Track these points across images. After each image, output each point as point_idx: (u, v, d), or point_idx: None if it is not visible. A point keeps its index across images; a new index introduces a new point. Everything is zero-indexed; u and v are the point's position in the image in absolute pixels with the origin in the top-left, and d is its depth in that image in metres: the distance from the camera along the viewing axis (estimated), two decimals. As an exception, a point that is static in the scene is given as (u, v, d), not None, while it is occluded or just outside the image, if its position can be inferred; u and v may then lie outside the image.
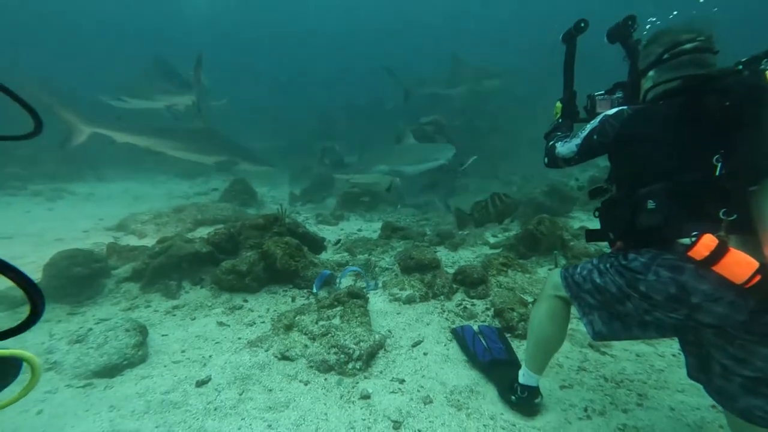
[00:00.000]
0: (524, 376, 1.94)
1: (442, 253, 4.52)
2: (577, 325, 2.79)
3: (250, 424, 1.90)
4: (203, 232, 4.89)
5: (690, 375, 1.57)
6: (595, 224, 1.68)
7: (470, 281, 3.25)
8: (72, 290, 3.21)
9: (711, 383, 1.44)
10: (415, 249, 3.82)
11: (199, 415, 1.96)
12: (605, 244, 1.68)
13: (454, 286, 3.31)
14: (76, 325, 2.83)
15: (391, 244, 4.69)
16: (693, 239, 1.22)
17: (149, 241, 4.60)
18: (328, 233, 5.53)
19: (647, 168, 1.40)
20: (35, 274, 3.28)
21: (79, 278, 3.24)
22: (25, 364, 0.79)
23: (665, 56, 1.46)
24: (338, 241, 4.97)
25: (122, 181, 10.22)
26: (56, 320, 2.94)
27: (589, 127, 1.60)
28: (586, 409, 2.00)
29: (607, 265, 1.53)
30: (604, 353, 2.50)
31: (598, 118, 1.55)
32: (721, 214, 1.23)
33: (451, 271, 3.55)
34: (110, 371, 2.30)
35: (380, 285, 3.49)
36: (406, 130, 7.69)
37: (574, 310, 1.74)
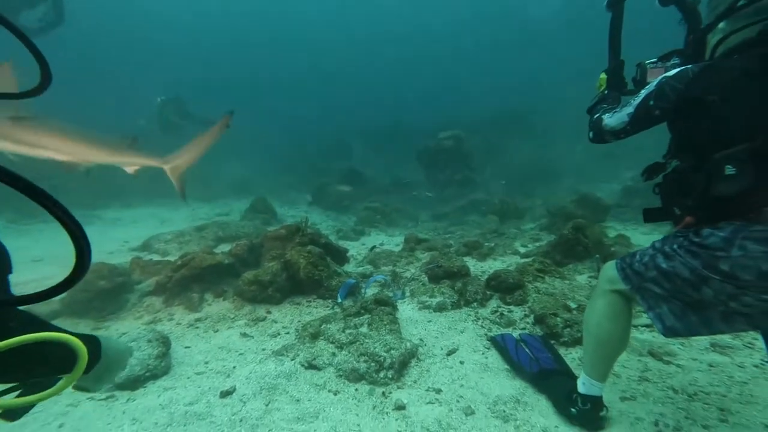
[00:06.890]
0: (585, 385, 1.70)
1: (470, 263, 4.31)
2: (632, 332, 2.54)
3: (278, 437, 1.74)
4: (225, 248, 4.85)
5: None
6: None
7: (505, 287, 3.04)
8: (96, 304, 3.17)
9: None
10: (442, 257, 3.65)
11: (224, 426, 1.81)
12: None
13: (488, 292, 3.10)
14: (99, 339, 2.77)
15: (416, 256, 4.53)
16: None
17: (172, 259, 4.58)
18: (350, 248, 5.41)
19: (722, 132, 1.23)
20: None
21: (103, 292, 3.21)
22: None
23: (741, 2, 1.27)
24: (373, 247, 4.89)
25: (147, 207, 10.46)
26: (80, 334, 2.88)
27: (643, 92, 1.42)
28: (656, 423, 1.75)
29: (675, 246, 1.34)
30: (668, 362, 2.22)
31: (655, 81, 1.38)
32: None
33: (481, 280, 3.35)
34: (133, 383, 2.19)
35: (407, 294, 3.32)
36: None
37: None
